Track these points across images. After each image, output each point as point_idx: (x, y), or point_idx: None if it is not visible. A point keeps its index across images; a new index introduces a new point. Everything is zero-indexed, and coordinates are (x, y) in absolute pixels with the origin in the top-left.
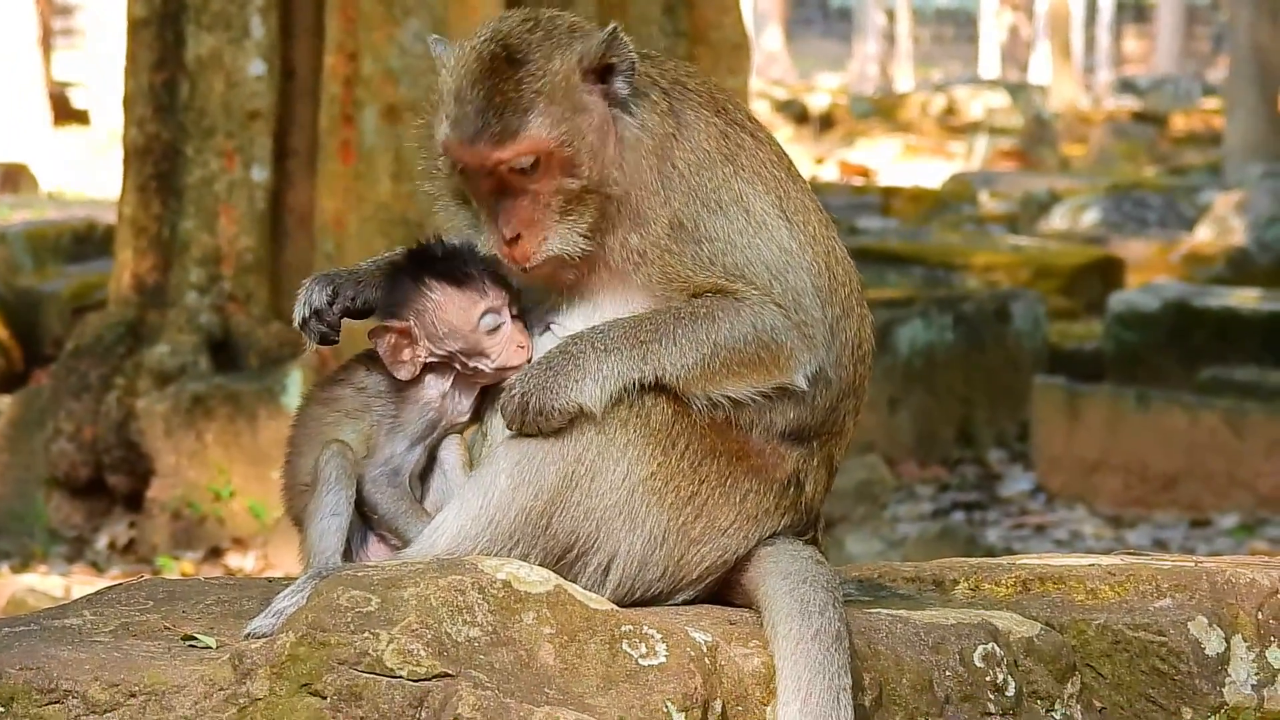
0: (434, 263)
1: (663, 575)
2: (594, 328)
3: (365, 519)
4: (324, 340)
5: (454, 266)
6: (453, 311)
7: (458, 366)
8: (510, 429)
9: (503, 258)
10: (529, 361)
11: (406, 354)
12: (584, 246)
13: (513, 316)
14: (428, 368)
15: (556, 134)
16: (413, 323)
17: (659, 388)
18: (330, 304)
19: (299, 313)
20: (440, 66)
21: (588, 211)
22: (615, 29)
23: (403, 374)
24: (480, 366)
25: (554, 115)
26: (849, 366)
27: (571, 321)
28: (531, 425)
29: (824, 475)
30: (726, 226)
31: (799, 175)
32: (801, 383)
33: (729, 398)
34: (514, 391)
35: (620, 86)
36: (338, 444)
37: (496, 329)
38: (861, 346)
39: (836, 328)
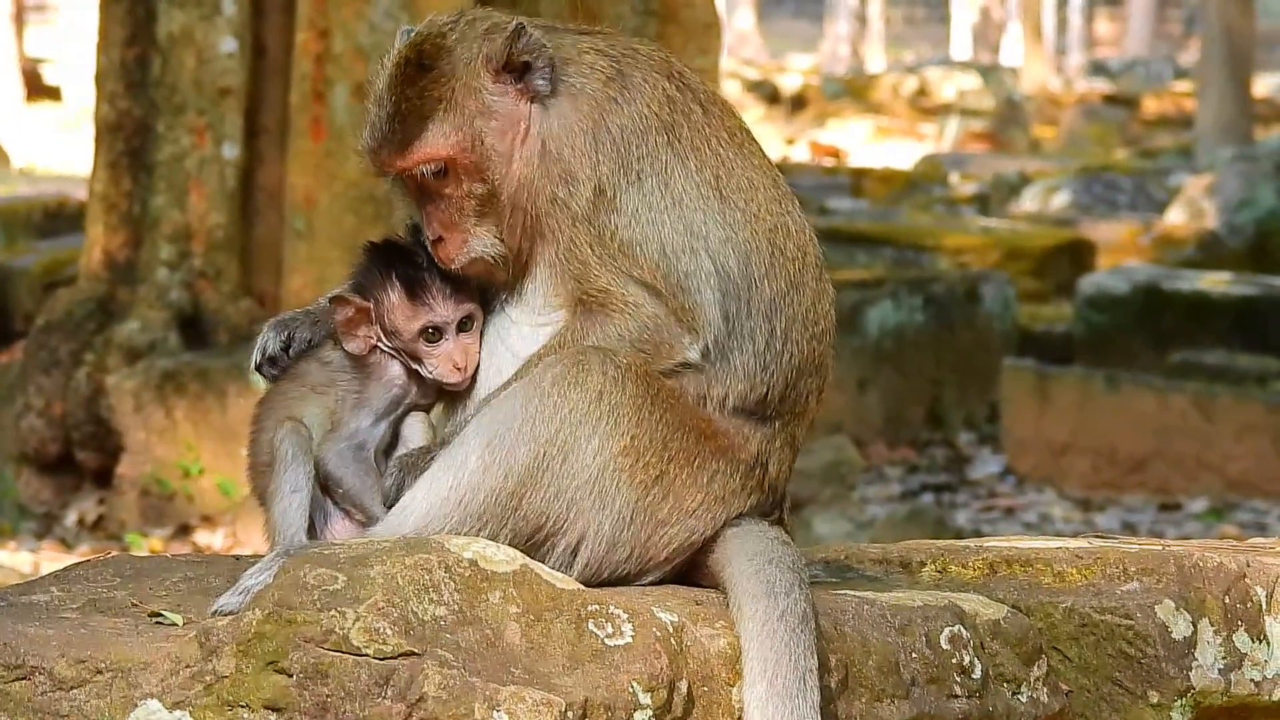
0: (405, 260)
1: (630, 556)
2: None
3: (330, 495)
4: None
5: (416, 272)
6: (399, 316)
7: (398, 358)
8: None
9: (437, 259)
10: (466, 379)
11: (360, 331)
12: (501, 250)
13: (461, 333)
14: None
15: (454, 141)
16: (371, 307)
17: (629, 355)
18: (285, 349)
19: (254, 358)
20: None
21: (502, 215)
22: (519, 26)
23: (352, 347)
24: (420, 371)
25: (453, 122)
26: (801, 342)
27: (513, 299)
28: None
29: (788, 455)
30: (637, 200)
31: (755, 151)
32: (694, 358)
33: None
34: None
35: (539, 83)
36: (291, 422)
37: (436, 344)
38: (819, 323)
39: (780, 302)
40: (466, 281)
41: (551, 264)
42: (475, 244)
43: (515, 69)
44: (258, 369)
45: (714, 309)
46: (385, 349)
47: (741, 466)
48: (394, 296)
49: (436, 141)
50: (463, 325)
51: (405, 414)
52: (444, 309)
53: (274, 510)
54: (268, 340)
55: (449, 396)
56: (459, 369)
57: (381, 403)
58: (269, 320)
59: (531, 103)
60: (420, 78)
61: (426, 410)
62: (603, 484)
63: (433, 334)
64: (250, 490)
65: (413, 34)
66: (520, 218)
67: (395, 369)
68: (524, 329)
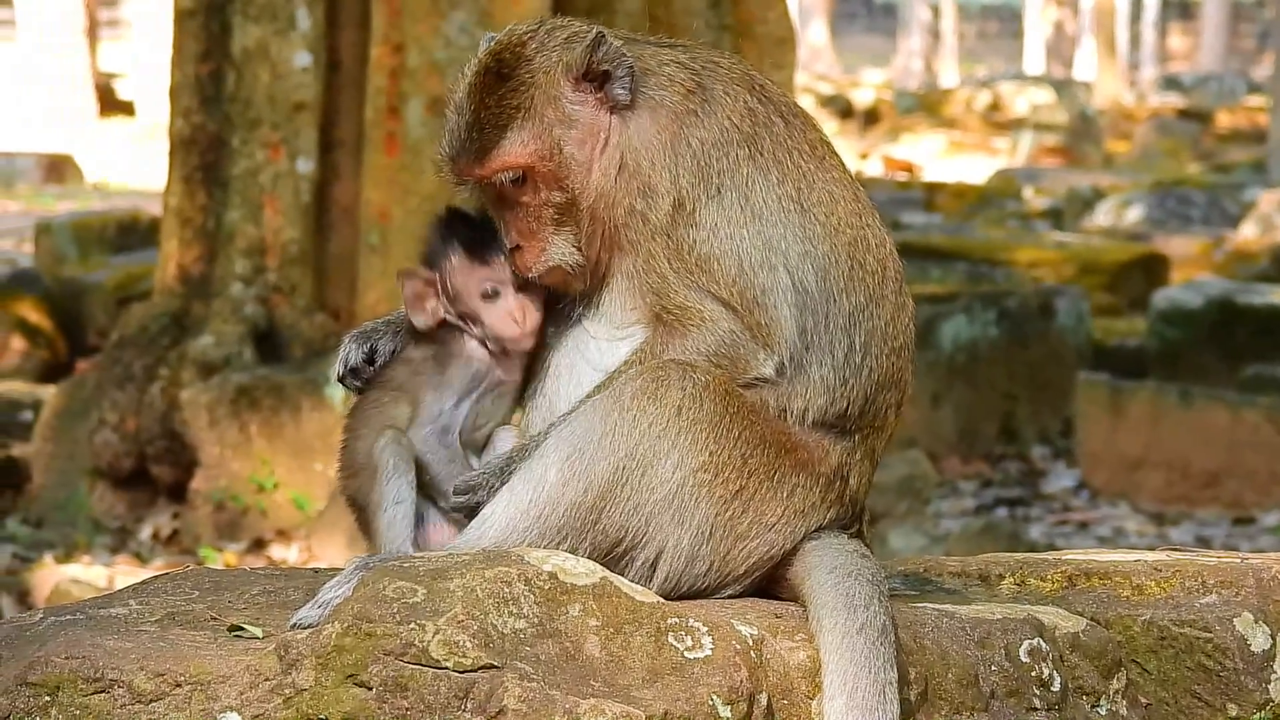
0: (465, 226)
1: (709, 570)
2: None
3: (421, 496)
4: (361, 393)
5: (477, 234)
6: (460, 276)
7: (465, 329)
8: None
9: (514, 268)
10: (527, 336)
11: (429, 304)
12: (578, 259)
13: (520, 291)
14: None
15: (533, 149)
16: (437, 276)
17: (709, 370)
18: (368, 360)
19: (337, 370)
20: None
21: (580, 225)
22: (600, 34)
23: (420, 321)
24: (482, 333)
25: (531, 131)
26: (881, 357)
27: (591, 312)
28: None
29: (868, 468)
30: (716, 215)
31: (836, 164)
32: (769, 373)
33: None
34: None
35: (619, 93)
36: (392, 430)
37: (494, 300)
38: (898, 337)
39: (860, 316)
40: None
41: (630, 276)
42: (553, 252)
43: (595, 78)
44: (340, 380)
45: (790, 324)
46: (452, 319)
47: (822, 480)
48: (454, 259)
49: (515, 149)
50: (523, 285)
51: (489, 393)
52: (502, 267)
53: (379, 522)
54: (350, 351)
55: (533, 407)
56: (518, 323)
57: (462, 381)
58: (350, 332)
59: (611, 113)
60: (499, 86)
61: (510, 409)
62: (682, 498)
63: (491, 291)
64: (341, 493)
65: (493, 42)
66: (599, 228)
67: (471, 344)
68: (602, 343)
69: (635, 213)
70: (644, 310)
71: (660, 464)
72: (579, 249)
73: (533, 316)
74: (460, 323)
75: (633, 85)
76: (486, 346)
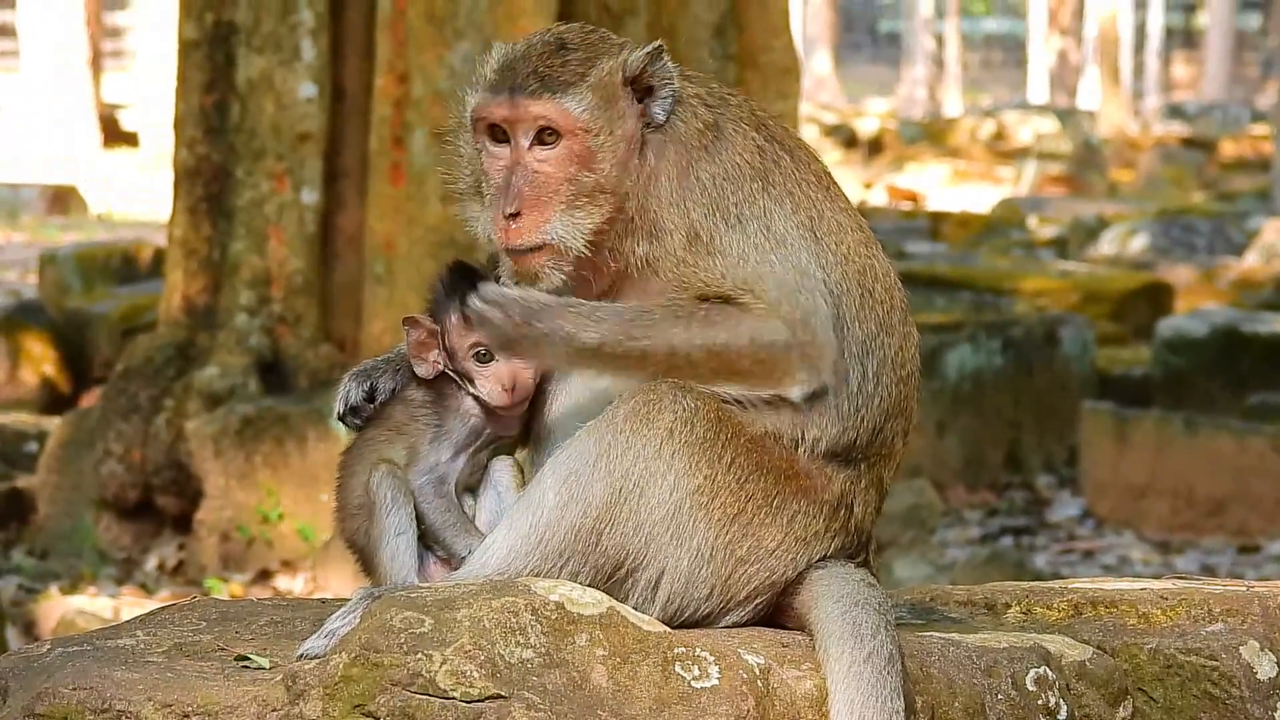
0: (469, 281)
1: (711, 594)
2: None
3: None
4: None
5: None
6: (456, 336)
7: (461, 385)
8: (484, 326)
9: (496, 240)
10: (516, 405)
11: (430, 354)
12: (583, 248)
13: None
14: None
15: (588, 118)
16: (440, 329)
17: (701, 394)
18: (368, 399)
19: (337, 409)
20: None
21: (596, 212)
22: (660, 47)
23: (421, 371)
24: (475, 393)
25: (588, 101)
26: (890, 386)
27: None
28: (508, 328)
29: (873, 497)
30: (743, 242)
31: (840, 195)
32: (795, 396)
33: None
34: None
35: (657, 112)
36: (386, 464)
37: (487, 364)
38: (904, 366)
39: (871, 344)
40: None
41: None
42: (554, 229)
43: (642, 89)
44: (341, 419)
45: (834, 350)
46: (449, 372)
47: (825, 508)
48: (453, 316)
49: (570, 106)
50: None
51: (486, 447)
52: None
53: (382, 556)
54: (349, 390)
55: (534, 437)
56: (506, 390)
57: (460, 434)
58: (350, 371)
59: (644, 128)
60: (564, 54)
61: (511, 449)
62: (680, 520)
63: (483, 355)
64: (338, 534)
65: (544, 30)
66: (623, 233)
67: (470, 400)
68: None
69: (658, 236)
70: None
71: (656, 485)
72: (589, 238)
73: (522, 382)
74: (456, 378)
75: (670, 109)
76: (481, 404)
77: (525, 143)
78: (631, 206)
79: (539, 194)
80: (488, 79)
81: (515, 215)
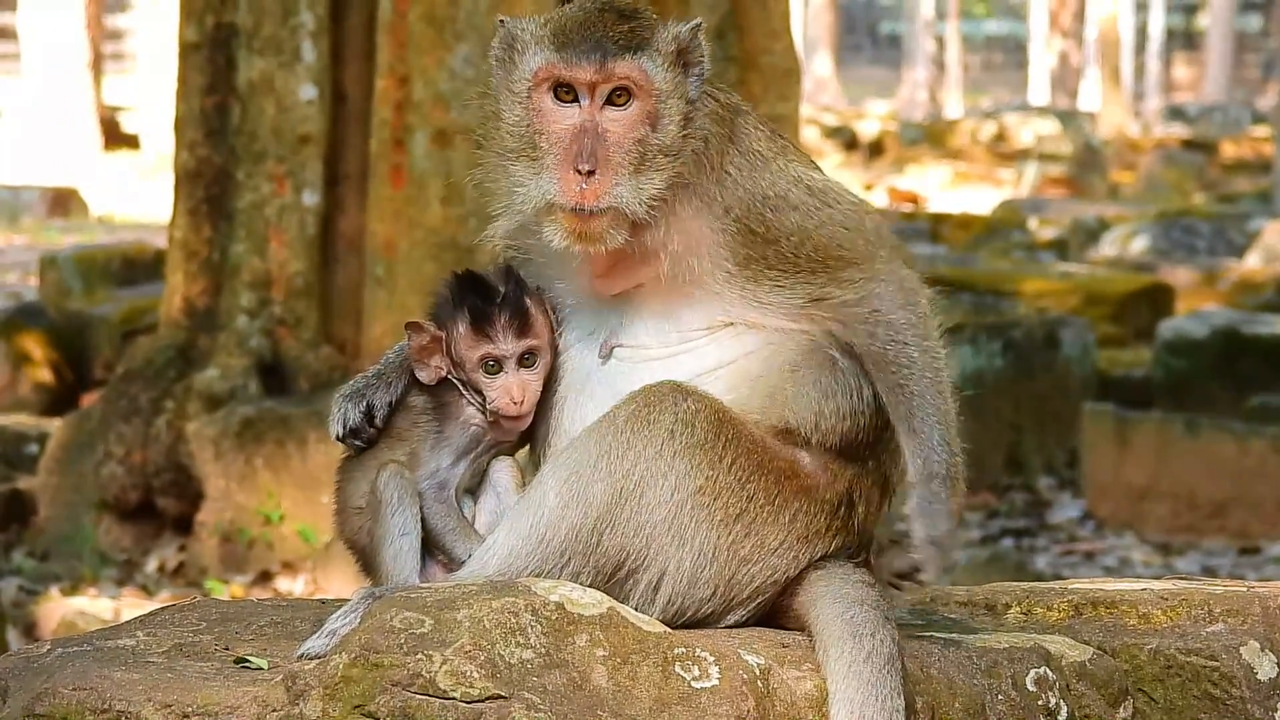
0: (477, 291)
1: (713, 594)
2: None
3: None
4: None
5: (484, 304)
6: (464, 345)
7: (464, 393)
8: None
9: (564, 199)
10: (524, 416)
11: (433, 360)
12: (647, 213)
13: (523, 368)
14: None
15: (657, 79)
16: (444, 335)
17: (702, 397)
18: (367, 420)
19: (336, 431)
20: (509, 41)
21: (658, 177)
22: (700, 24)
23: (424, 376)
24: (480, 402)
25: (656, 64)
26: None
27: (640, 336)
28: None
29: (877, 496)
30: (793, 216)
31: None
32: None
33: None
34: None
35: (692, 85)
36: (394, 464)
37: (495, 374)
38: None
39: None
40: (534, 320)
41: (711, 291)
42: (622, 191)
43: (684, 63)
44: (340, 440)
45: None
46: (454, 379)
47: (826, 506)
48: (461, 326)
49: (649, 68)
50: (524, 360)
51: (487, 453)
52: (505, 342)
53: (385, 555)
54: (346, 413)
55: (536, 439)
56: (515, 403)
57: (461, 441)
58: (339, 391)
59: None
60: (625, 22)
61: (511, 452)
62: (681, 521)
63: (492, 365)
64: (338, 536)
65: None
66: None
67: (472, 408)
68: (648, 361)
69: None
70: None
71: (657, 486)
72: (648, 200)
73: (531, 394)
74: (460, 386)
75: (699, 88)
76: (483, 413)
77: (599, 103)
78: (688, 171)
79: (609, 152)
80: (555, 38)
81: (590, 174)
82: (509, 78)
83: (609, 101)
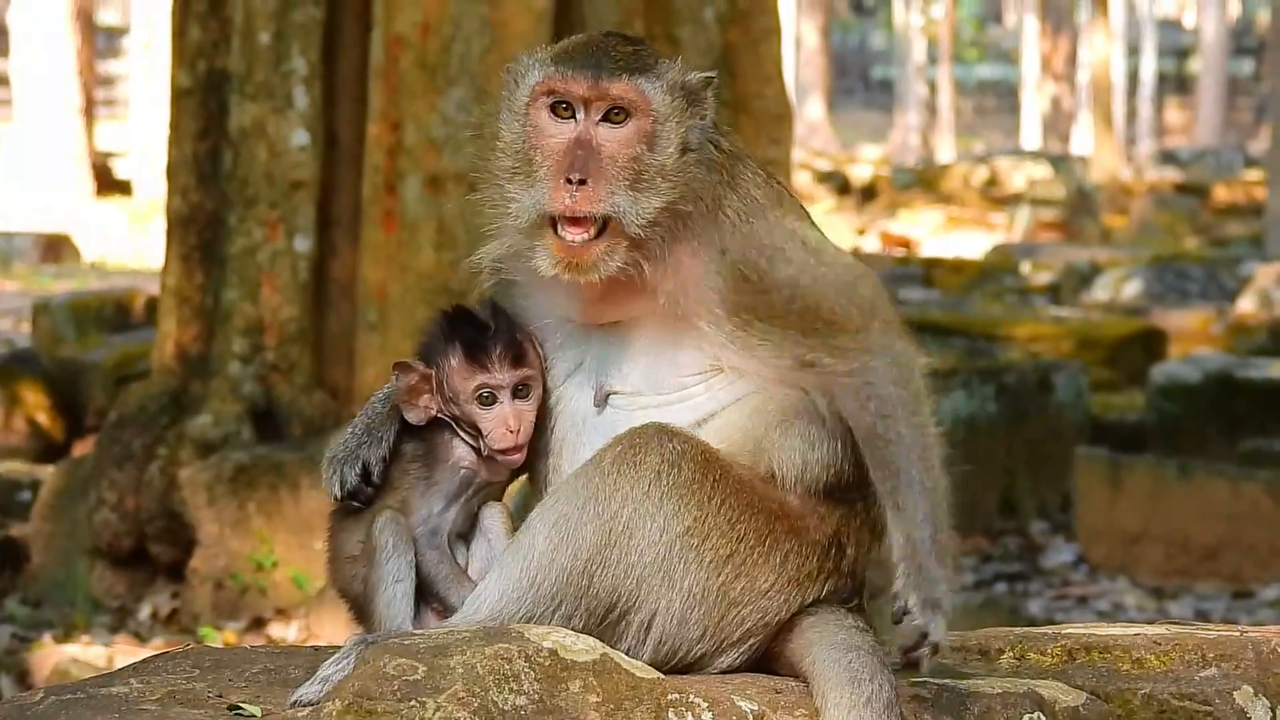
0: (467, 326)
1: (704, 636)
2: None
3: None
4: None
5: (477, 336)
6: (457, 378)
7: (456, 430)
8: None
9: (554, 208)
10: (519, 447)
11: (422, 400)
12: (641, 229)
13: (517, 399)
14: (452, 427)
15: (657, 101)
16: (434, 373)
17: (688, 438)
18: (365, 481)
19: (336, 493)
20: (516, 69)
21: (655, 197)
22: (714, 78)
23: (412, 417)
24: (473, 437)
25: (659, 87)
26: None
27: (633, 380)
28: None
29: (867, 538)
30: (787, 269)
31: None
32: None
33: None
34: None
35: (694, 129)
36: (390, 510)
37: (490, 406)
38: None
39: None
40: (527, 350)
41: (701, 335)
42: (618, 200)
43: (688, 101)
44: (339, 501)
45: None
46: (445, 418)
47: (817, 548)
48: (453, 359)
49: (646, 87)
50: (519, 391)
51: (476, 496)
52: (500, 372)
53: (378, 601)
54: (345, 476)
55: (531, 480)
56: (512, 432)
57: (451, 485)
58: (330, 455)
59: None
60: (630, 45)
61: (500, 494)
62: (670, 562)
63: (487, 397)
64: (330, 584)
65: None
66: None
67: (462, 449)
68: (636, 410)
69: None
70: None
71: (645, 527)
72: (644, 217)
73: (527, 424)
74: (452, 423)
75: (701, 136)
76: (475, 449)
77: (595, 118)
78: (682, 205)
79: (602, 166)
80: (556, 55)
81: (581, 183)
82: (511, 99)
83: (607, 119)
